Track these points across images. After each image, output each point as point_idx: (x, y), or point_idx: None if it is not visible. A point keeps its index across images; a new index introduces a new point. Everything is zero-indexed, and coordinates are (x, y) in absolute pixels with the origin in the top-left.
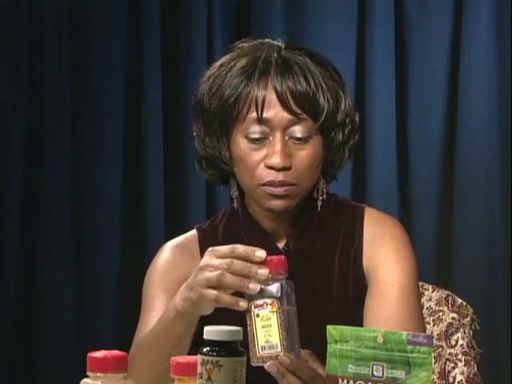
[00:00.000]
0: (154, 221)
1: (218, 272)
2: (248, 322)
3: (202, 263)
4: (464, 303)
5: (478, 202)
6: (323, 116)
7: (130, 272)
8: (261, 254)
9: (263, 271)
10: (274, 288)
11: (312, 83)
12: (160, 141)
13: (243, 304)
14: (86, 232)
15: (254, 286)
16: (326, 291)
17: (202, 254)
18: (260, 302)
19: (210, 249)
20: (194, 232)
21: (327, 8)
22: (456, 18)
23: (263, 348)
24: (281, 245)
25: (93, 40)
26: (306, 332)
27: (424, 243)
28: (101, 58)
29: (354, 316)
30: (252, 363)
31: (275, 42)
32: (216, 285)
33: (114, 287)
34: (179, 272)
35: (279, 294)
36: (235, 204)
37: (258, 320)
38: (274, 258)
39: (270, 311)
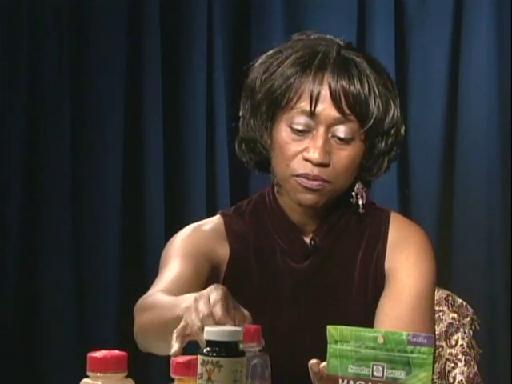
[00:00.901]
0: (153, 221)
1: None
2: None
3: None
4: (464, 303)
5: (477, 202)
6: (371, 121)
7: (130, 272)
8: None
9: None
10: None
11: (366, 87)
12: (160, 141)
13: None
14: (86, 232)
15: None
16: (346, 290)
17: (228, 238)
18: None
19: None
20: (218, 217)
21: (327, 8)
22: (456, 17)
23: None
24: (307, 239)
25: (93, 40)
26: (321, 328)
27: None
28: (101, 58)
29: (371, 316)
30: None
31: (336, 40)
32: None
33: (113, 287)
34: (203, 245)
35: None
36: (276, 189)
37: None
38: (249, 328)
39: None
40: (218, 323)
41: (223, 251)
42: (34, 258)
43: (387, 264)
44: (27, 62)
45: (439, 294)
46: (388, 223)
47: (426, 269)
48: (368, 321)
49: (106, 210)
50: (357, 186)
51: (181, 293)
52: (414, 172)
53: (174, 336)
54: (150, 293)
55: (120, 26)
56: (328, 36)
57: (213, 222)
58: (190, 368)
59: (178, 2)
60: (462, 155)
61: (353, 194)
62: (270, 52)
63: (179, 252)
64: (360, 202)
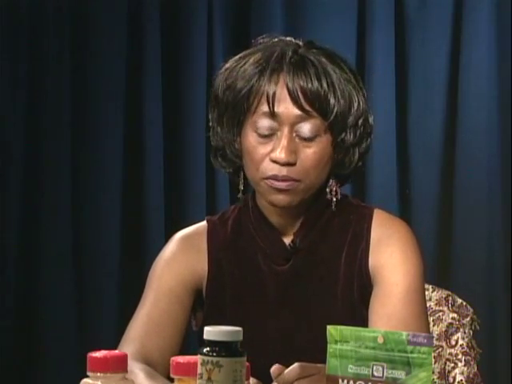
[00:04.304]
0: (153, 221)
1: None
2: None
3: None
4: (464, 303)
5: (477, 202)
6: (332, 116)
7: (130, 272)
8: None
9: None
10: None
11: (324, 82)
12: (160, 141)
13: None
14: (86, 232)
15: None
16: (331, 290)
17: (209, 246)
18: None
19: None
20: (204, 223)
21: (327, 8)
22: (456, 17)
23: None
24: (287, 241)
25: (93, 40)
26: (309, 329)
27: (424, 243)
28: (101, 57)
29: (357, 316)
30: None
31: (294, 40)
32: None
33: (113, 287)
34: (184, 265)
35: None
36: (239, 196)
37: None
38: None
39: None
40: None
41: (203, 265)
42: (34, 258)
43: (372, 262)
44: (27, 62)
45: (439, 294)
46: (371, 220)
47: (413, 264)
48: (354, 320)
49: (106, 209)
50: (330, 182)
51: (159, 339)
52: (414, 172)
53: None
54: (125, 347)
55: (120, 26)
56: (288, 38)
57: (197, 231)
58: (190, 368)
59: (178, 2)
60: (462, 155)
61: (327, 190)
62: (232, 58)
63: (160, 287)
64: (334, 199)
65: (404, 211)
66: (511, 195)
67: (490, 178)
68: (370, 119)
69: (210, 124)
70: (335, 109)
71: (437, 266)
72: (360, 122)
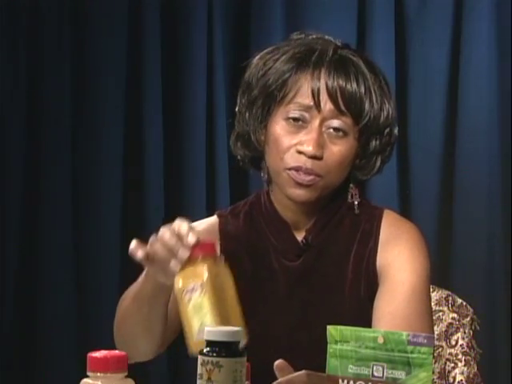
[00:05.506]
0: (153, 221)
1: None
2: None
3: None
4: (464, 303)
5: (478, 202)
6: (365, 120)
7: (130, 272)
8: (190, 239)
9: (182, 253)
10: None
11: (362, 86)
12: (160, 141)
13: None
14: (86, 232)
15: (174, 264)
16: (339, 287)
17: (221, 239)
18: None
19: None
20: (214, 218)
21: (327, 8)
22: (456, 17)
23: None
24: (300, 237)
25: (93, 40)
26: (317, 325)
27: None
28: (101, 57)
29: (364, 314)
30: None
31: (334, 40)
32: (150, 250)
33: (114, 287)
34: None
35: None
36: (265, 185)
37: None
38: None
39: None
40: (179, 232)
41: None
42: (34, 258)
43: (379, 261)
44: (27, 62)
45: (439, 293)
46: (380, 220)
47: (420, 264)
48: (361, 318)
49: (106, 209)
50: (351, 185)
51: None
52: (414, 172)
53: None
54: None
55: (120, 26)
56: (326, 36)
57: (208, 223)
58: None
59: (178, 2)
60: (462, 155)
61: (349, 195)
62: (268, 49)
63: None
64: (356, 202)
65: (404, 211)
66: (511, 195)
67: (490, 178)
68: (395, 130)
69: (237, 109)
70: (368, 114)
71: (437, 266)
72: (387, 130)
